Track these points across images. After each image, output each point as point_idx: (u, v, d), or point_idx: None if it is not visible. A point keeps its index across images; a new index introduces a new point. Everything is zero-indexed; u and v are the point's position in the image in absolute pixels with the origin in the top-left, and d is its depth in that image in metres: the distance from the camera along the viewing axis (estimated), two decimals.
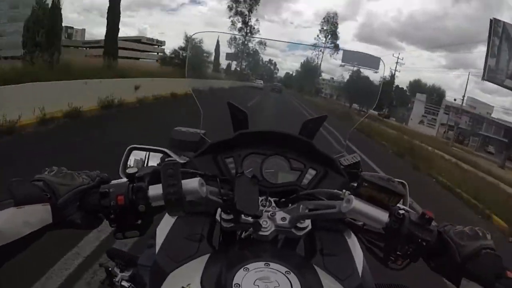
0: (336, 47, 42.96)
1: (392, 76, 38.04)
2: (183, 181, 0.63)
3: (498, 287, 0.55)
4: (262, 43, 43.88)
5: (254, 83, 36.48)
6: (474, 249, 0.60)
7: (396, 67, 38.43)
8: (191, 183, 0.64)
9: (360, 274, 0.82)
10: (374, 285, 0.85)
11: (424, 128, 33.50)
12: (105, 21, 14.19)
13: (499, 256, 0.60)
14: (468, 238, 0.63)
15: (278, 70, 54.98)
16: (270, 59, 54.38)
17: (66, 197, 0.61)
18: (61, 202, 0.60)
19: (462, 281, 0.60)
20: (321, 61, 44.64)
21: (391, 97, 37.44)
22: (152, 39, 25.89)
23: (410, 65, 46.63)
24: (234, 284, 0.55)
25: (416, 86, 40.33)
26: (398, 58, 38.93)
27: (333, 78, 48.24)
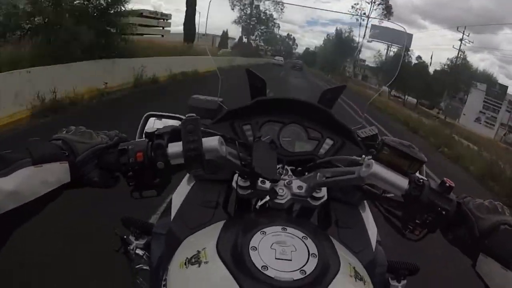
0: (388, 10, 35.17)
1: (458, 60, 27.02)
2: (203, 139, 0.62)
3: None
4: (278, 7, 40.64)
5: (274, 60, 34.32)
6: (493, 223, 0.58)
7: (460, 46, 27.19)
8: (211, 141, 0.63)
9: (373, 248, 0.82)
10: (387, 261, 0.84)
11: (480, 128, 24.05)
12: None
13: None
14: (488, 212, 0.61)
15: (297, 45, 52.72)
16: (288, 34, 51.98)
17: (84, 155, 0.61)
18: (79, 160, 0.60)
19: (480, 257, 0.58)
20: (364, 31, 35.12)
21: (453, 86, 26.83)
22: (155, 12, 23.86)
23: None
24: (251, 247, 0.55)
25: (466, 71, 27.40)
26: (463, 34, 27.36)
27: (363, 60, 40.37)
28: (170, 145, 0.63)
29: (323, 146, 0.92)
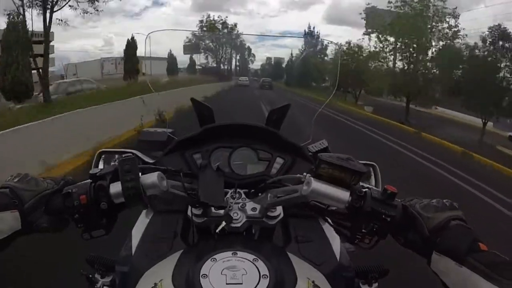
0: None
1: None
2: (142, 176, 0.64)
3: (470, 261, 0.54)
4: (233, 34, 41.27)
5: (239, 81, 32.29)
6: (441, 221, 0.60)
7: None
8: (150, 178, 0.65)
9: (337, 258, 0.83)
10: (353, 269, 0.86)
11: None
12: None
13: (470, 228, 0.59)
14: (435, 210, 0.63)
15: (254, 56, 50.81)
16: (248, 47, 49.00)
17: (31, 202, 0.62)
18: (27, 207, 0.61)
19: (433, 256, 0.59)
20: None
21: None
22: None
23: None
24: (202, 275, 0.56)
25: None
26: None
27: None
28: (111, 185, 0.64)
29: (274, 165, 0.94)
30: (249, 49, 49.09)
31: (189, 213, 0.78)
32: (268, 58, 55.50)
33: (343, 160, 0.64)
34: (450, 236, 0.58)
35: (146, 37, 1.22)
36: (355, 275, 0.85)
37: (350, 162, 0.64)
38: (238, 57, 46.79)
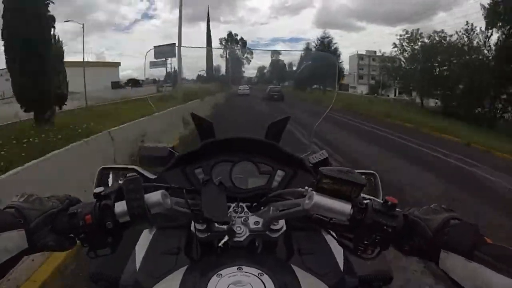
0: None
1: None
2: (147, 195, 0.65)
3: (478, 255, 0.55)
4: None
5: (238, 90, 29.63)
6: (442, 220, 0.61)
7: None
8: (154, 196, 0.66)
9: (341, 268, 0.84)
10: (358, 277, 0.87)
11: None
12: None
13: (475, 225, 0.60)
14: (434, 213, 0.64)
15: (252, 55, 49.58)
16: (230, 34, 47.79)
17: (37, 221, 0.62)
18: (32, 226, 0.62)
19: (441, 254, 0.60)
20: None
21: None
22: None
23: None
24: None
25: None
26: None
27: None
28: (116, 204, 0.65)
29: (275, 178, 0.95)
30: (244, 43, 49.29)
31: (192, 228, 0.79)
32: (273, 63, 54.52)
33: (343, 173, 0.65)
34: (455, 233, 0.59)
35: (146, 54, 1.24)
36: (360, 284, 0.86)
37: (350, 175, 0.65)
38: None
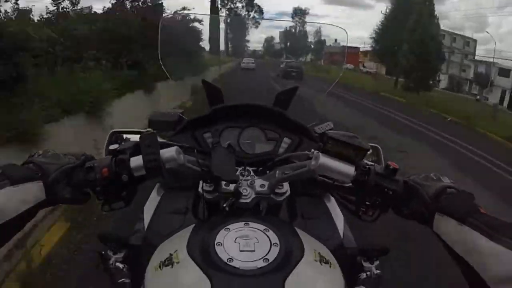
0: None
1: None
2: (162, 150, 0.68)
3: (471, 221, 0.57)
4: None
5: (242, 63, 23.89)
6: (440, 187, 0.64)
7: None
8: (169, 152, 0.69)
9: (341, 235, 0.88)
10: (356, 245, 0.90)
11: None
12: None
13: (471, 194, 0.62)
14: (432, 180, 0.67)
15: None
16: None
17: (54, 175, 0.65)
18: (50, 179, 0.64)
19: (435, 217, 0.62)
20: None
21: None
22: None
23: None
24: (217, 243, 0.60)
25: None
26: None
27: None
28: (132, 159, 0.67)
29: (281, 145, 0.97)
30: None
31: (200, 189, 0.82)
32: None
33: (349, 137, 0.68)
34: (452, 199, 0.62)
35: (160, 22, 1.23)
36: (358, 253, 0.90)
37: (355, 140, 0.68)
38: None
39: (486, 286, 0.53)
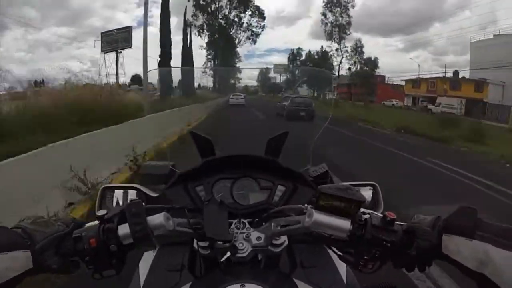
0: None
1: None
2: (149, 218, 0.67)
3: (479, 234, 0.57)
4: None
5: (231, 99, 22.78)
6: (434, 217, 0.65)
7: None
8: (157, 219, 0.68)
9: (344, 280, 0.85)
10: None
11: None
12: None
13: (474, 208, 0.62)
14: (425, 216, 0.68)
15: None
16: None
17: (42, 243, 0.64)
18: (38, 248, 0.63)
19: (443, 238, 0.62)
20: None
21: None
22: None
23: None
24: None
25: None
26: None
27: None
28: (120, 227, 0.66)
29: (275, 193, 0.96)
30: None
31: (195, 245, 0.80)
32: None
33: (342, 190, 0.67)
34: (456, 216, 0.62)
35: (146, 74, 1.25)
36: None
37: (349, 192, 0.67)
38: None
39: None
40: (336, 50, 40.02)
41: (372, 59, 40.87)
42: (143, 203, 0.68)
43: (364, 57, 41.46)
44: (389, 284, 0.87)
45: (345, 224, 0.66)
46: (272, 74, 49.47)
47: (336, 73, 39.48)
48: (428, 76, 38.94)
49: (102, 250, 0.65)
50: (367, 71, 40.18)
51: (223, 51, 37.05)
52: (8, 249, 0.59)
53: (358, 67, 41.10)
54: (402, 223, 0.69)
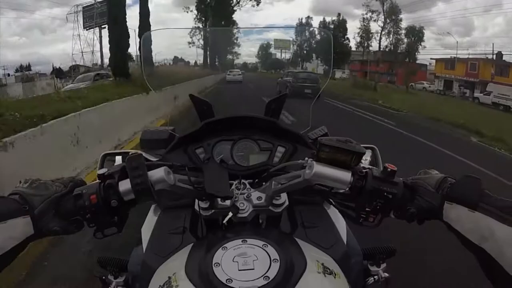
0: None
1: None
2: (150, 172, 0.66)
3: (482, 206, 0.56)
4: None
5: (228, 76, 17.93)
6: (441, 177, 0.64)
7: None
8: (158, 173, 0.67)
9: (345, 241, 0.85)
10: (361, 251, 0.88)
11: None
12: None
13: (479, 179, 0.61)
14: (430, 174, 0.67)
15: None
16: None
17: (41, 207, 0.63)
18: (37, 212, 0.62)
19: (445, 206, 0.61)
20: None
21: None
22: None
23: None
24: (214, 264, 0.58)
25: None
26: None
27: None
28: (120, 183, 0.65)
29: (275, 154, 0.96)
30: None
31: (196, 207, 0.80)
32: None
33: (342, 142, 0.66)
34: (459, 185, 0.61)
35: (142, 37, 1.23)
36: (363, 257, 0.87)
37: (349, 144, 0.66)
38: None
39: (504, 272, 0.52)
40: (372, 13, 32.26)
41: (417, 28, 32.26)
42: (144, 157, 0.67)
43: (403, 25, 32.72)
44: (389, 248, 0.87)
45: (346, 175, 0.65)
46: (272, 49, 46.24)
47: (377, 45, 34.27)
48: (467, 56, 32.20)
49: (103, 206, 0.65)
50: (411, 43, 31.74)
51: (215, 12, 32.43)
52: (7, 218, 0.58)
53: (393, 39, 33.00)
54: (406, 178, 0.69)
